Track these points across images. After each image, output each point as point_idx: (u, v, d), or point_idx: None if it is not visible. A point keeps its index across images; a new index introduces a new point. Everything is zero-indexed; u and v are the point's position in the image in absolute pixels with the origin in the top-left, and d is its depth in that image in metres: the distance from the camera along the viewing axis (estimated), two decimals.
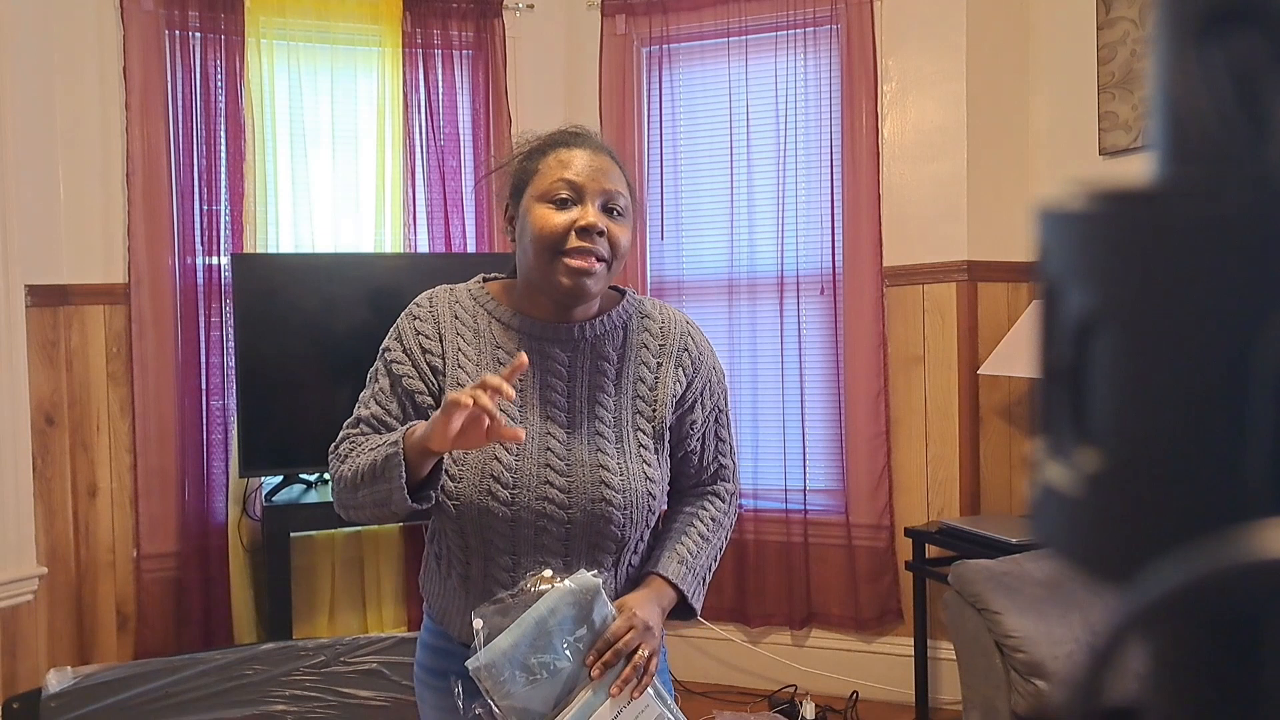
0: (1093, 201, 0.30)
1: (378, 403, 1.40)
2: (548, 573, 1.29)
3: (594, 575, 1.29)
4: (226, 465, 3.23)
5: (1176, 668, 0.30)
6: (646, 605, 1.34)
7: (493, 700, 1.20)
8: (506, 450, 1.35)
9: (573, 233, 1.32)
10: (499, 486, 1.33)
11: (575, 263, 1.32)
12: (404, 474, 1.25)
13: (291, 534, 3.04)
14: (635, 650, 1.29)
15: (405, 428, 1.29)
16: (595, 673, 1.26)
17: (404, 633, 3.11)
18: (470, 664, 1.22)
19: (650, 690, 1.31)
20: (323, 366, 3.12)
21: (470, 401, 1.15)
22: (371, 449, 1.32)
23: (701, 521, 1.49)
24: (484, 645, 1.22)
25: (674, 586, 1.40)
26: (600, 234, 1.33)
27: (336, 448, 1.41)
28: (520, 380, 1.38)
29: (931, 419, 3.26)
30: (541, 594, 1.25)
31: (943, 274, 3.23)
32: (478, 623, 1.23)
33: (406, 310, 1.44)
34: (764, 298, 3.43)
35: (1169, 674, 0.30)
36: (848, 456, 3.33)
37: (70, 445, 3.11)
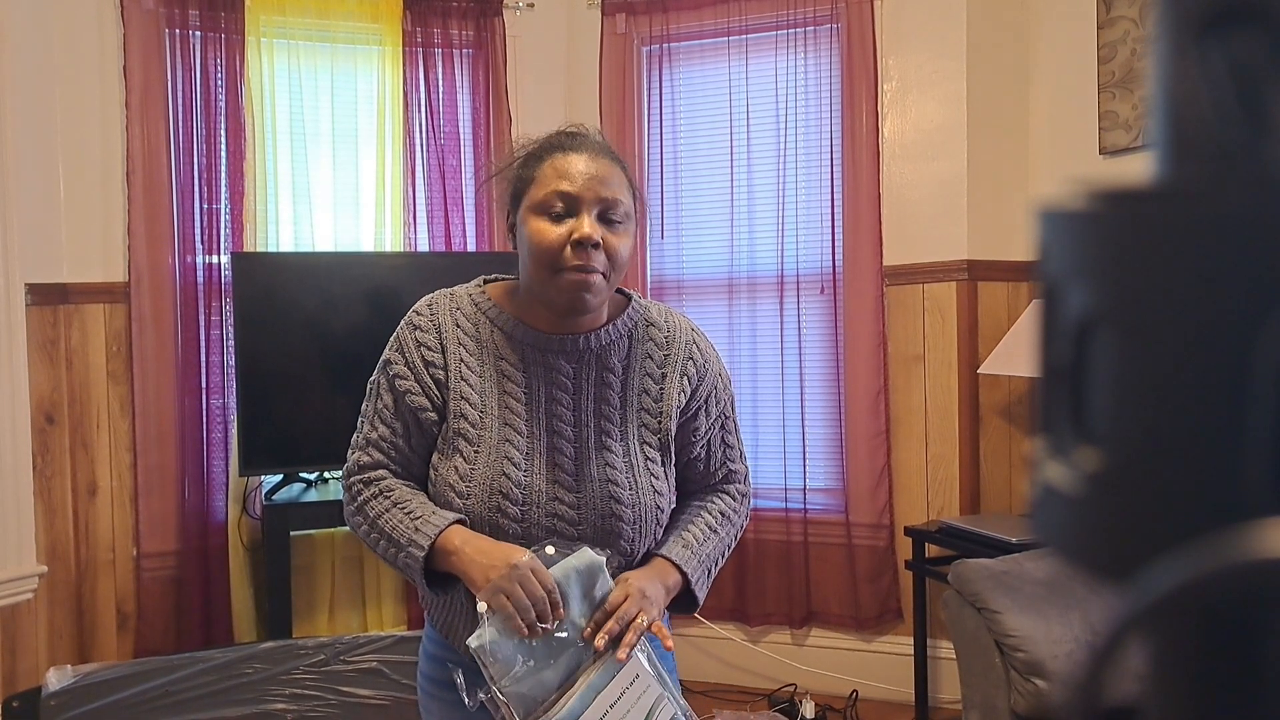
0: (1093, 201, 0.30)
1: (383, 422, 1.37)
2: (550, 549, 1.27)
3: (596, 553, 1.28)
4: (226, 464, 3.23)
5: (1177, 667, 0.30)
6: (646, 579, 1.33)
7: (495, 686, 1.18)
8: (516, 466, 1.33)
9: (569, 247, 1.28)
10: (509, 503, 1.31)
11: (573, 278, 1.29)
12: (424, 584, 1.29)
13: (291, 533, 3.04)
14: (631, 620, 1.28)
15: (431, 535, 1.28)
16: (597, 643, 1.25)
17: (404, 631, 3.11)
18: (471, 642, 1.20)
19: (651, 671, 1.30)
20: (323, 365, 3.12)
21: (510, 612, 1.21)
22: (391, 536, 1.31)
23: (709, 513, 1.46)
24: (488, 629, 1.20)
25: (677, 568, 1.37)
26: (596, 246, 1.29)
27: (349, 479, 1.38)
28: (525, 393, 1.36)
29: (931, 419, 3.26)
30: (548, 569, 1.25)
31: (943, 273, 3.23)
32: (482, 606, 1.21)
33: (406, 319, 1.40)
34: (764, 297, 3.43)
35: (1169, 674, 0.30)
36: (848, 456, 3.33)
37: (70, 444, 3.11)
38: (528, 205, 1.33)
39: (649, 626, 1.29)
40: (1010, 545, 2.64)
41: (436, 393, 1.35)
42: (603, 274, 1.31)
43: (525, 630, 1.20)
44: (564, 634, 1.24)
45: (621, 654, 1.25)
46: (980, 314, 3.25)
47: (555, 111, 3.52)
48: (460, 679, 1.27)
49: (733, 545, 1.49)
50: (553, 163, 1.33)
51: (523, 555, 1.24)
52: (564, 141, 1.36)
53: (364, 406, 1.41)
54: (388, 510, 1.33)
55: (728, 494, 1.50)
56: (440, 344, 1.36)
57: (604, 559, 1.29)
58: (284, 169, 3.30)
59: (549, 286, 1.31)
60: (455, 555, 1.26)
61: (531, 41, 3.57)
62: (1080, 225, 0.30)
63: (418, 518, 1.30)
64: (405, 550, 1.28)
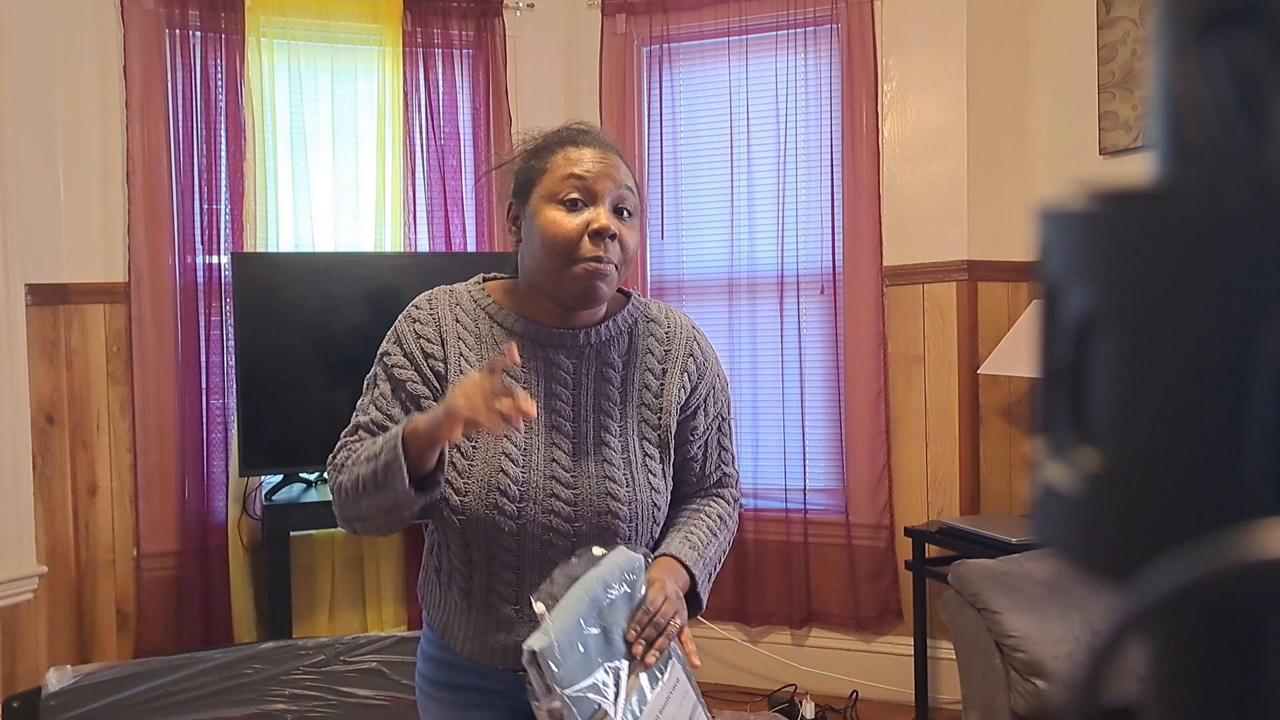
0: (1093, 201, 0.30)
1: (378, 408, 1.34)
2: (598, 550, 1.24)
3: (632, 550, 1.27)
4: (226, 464, 3.23)
5: (1176, 668, 0.30)
6: (669, 577, 1.31)
7: (561, 690, 1.12)
8: (513, 462, 1.32)
9: (586, 237, 1.28)
10: (506, 500, 1.30)
11: (588, 268, 1.28)
12: (406, 478, 1.20)
13: (291, 533, 3.04)
14: (670, 621, 1.26)
15: (402, 425, 1.23)
16: (640, 651, 1.22)
17: (404, 632, 3.11)
18: (534, 645, 1.12)
19: (684, 676, 1.29)
20: (323, 366, 3.12)
21: (479, 417, 1.13)
22: (368, 457, 1.25)
23: (708, 517, 1.45)
24: (553, 627, 1.14)
25: (685, 569, 1.35)
26: (613, 237, 1.29)
27: (334, 458, 1.35)
28: (525, 387, 1.35)
29: (931, 419, 3.26)
30: (593, 567, 1.21)
31: (943, 274, 3.23)
32: (540, 607, 1.15)
33: (404, 313, 1.39)
34: (764, 298, 3.43)
35: (1169, 674, 0.30)
36: (848, 456, 3.33)
37: (70, 444, 3.11)
38: (540, 195, 1.32)
39: (679, 633, 1.27)
40: (1010, 545, 2.64)
41: (435, 383, 1.34)
42: (615, 266, 1.31)
43: (496, 422, 1.13)
44: (612, 641, 1.20)
45: (650, 659, 1.22)
46: (980, 314, 3.25)
47: (555, 112, 3.52)
48: (531, 685, 1.15)
49: (727, 552, 1.48)
50: (565, 154, 1.33)
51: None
52: (575, 136, 1.36)
53: (358, 402, 1.39)
54: (364, 461, 1.27)
55: (722, 498, 1.49)
56: (440, 337, 1.36)
57: (642, 557, 1.27)
58: (284, 169, 3.30)
59: (561, 277, 1.30)
60: (421, 423, 1.20)
61: (531, 41, 3.57)
62: (1080, 225, 0.30)
63: (390, 433, 1.25)
64: (382, 457, 1.22)
